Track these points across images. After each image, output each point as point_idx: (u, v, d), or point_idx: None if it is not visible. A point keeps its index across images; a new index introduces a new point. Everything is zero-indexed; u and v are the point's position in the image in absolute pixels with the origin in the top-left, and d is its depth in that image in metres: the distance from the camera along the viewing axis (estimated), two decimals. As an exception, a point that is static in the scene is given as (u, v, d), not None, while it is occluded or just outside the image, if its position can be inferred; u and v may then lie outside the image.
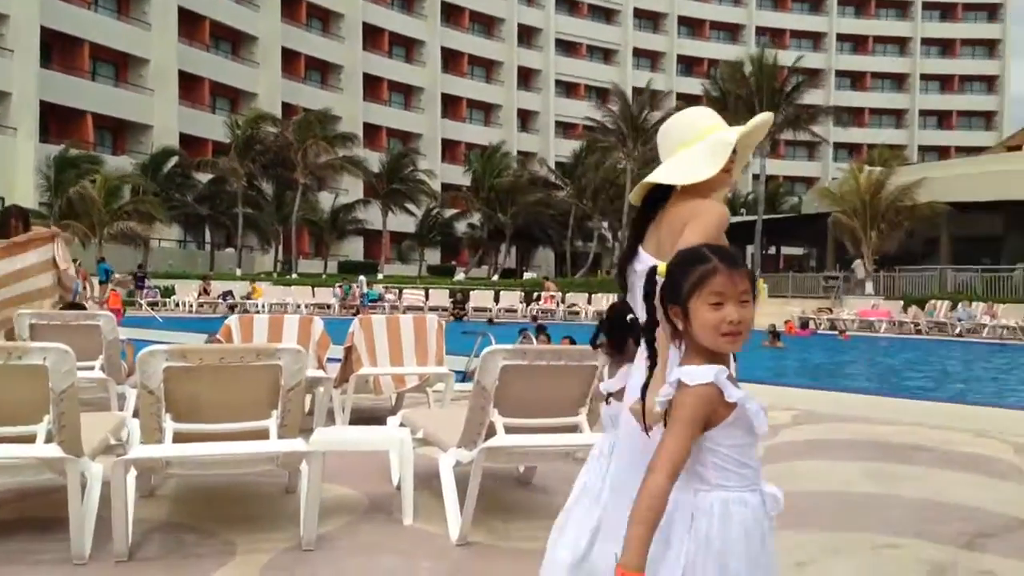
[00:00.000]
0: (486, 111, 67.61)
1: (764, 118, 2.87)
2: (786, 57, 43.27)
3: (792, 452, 6.35)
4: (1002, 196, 32.42)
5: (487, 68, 67.68)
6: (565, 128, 68.68)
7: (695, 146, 2.67)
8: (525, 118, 69.46)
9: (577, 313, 29.65)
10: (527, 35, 69.13)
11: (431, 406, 7.04)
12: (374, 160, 50.19)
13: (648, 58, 74.33)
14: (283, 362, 3.92)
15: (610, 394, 2.75)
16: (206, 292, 29.90)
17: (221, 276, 35.36)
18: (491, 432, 4.03)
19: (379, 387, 7.03)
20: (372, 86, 59.48)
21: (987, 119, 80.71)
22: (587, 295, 31.42)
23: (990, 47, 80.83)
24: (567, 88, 70.90)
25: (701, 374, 1.92)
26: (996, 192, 32.71)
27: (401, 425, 4.92)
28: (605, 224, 52.95)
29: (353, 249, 54.64)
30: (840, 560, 3.88)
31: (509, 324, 21.74)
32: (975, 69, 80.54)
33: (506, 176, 51.62)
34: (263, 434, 3.90)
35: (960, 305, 25.13)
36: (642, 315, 2.20)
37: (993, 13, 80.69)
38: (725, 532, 1.90)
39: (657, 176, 2.68)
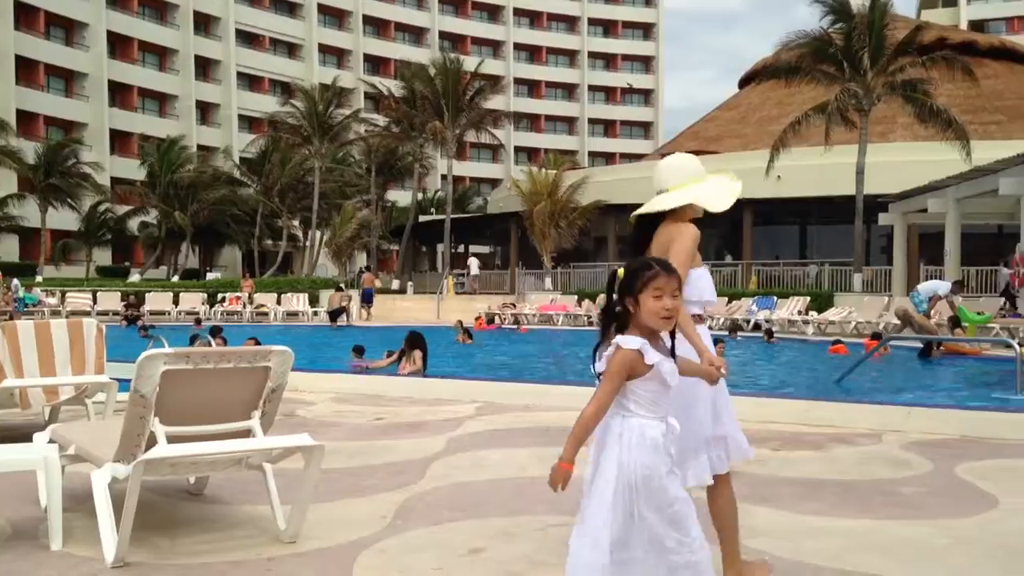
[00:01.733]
0: (161, 101, 63.41)
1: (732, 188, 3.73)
2: (474, 64, 44.78)
3: (474, 443, 6.54)
4: (658, 198, 35.80)
5: (161, 56, 63.46)
6: (250, 122, 66.20)
7: (707, 181, 3.64)
8: (205, 110, 66.04)
9: (266, 314, 28.64)
10: (204, 23, 65.72)
11: (91, 418, 6.42)
12: (29, 150, 45.20)
13: (334, 55, 73.69)
14: None
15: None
16: None
17: None
18: (152, 443, 3.72)
19: (26, 400, 6.29)
20: (26, 69, 53.48)
21: (645, 129, 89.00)
22: (276, 295, 30.47)
23: (646, 63, 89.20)
24: (250, 81, 68.39)
25: (632, 343, 2.76)
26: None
27: (50, 441, 4.42)
28: (295, 222, 51.76)
29: (6, 249, 48.83)
30: (513, 543, 4.02)
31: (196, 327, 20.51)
32: (634, 82, 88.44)
33: (186, 171, 48.74)
34: None
35: (625, 297, 27.44)
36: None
37: (648, 32, 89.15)
38: (642, 442, 2.77)
39: (688, 198, 3.59)
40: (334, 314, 26.70)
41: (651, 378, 2.79)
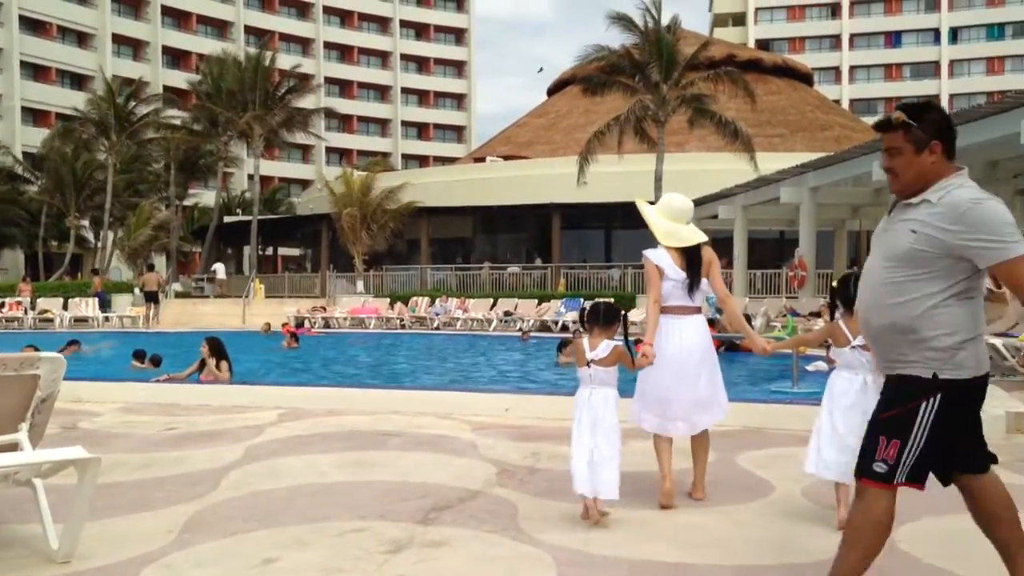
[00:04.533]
0: (-67, 90, 57.86)
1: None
2: (283, 61, 43.43)
3: (274, 450, 6.35)
4: (471, 202, 36.29)
5: (-67, 41, 57.89)
6: (35, 115, 61.45)
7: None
8: (-16, 101, 60.69)
9: (51, 320, 26.62)
10: (-15, 8, 60.46)
11: None
12: None
13: (130, 46, 69.50)
14: None
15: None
16: None
17: None
18: (-101, 462, 3.36)
19: None
20: None
21: (458, 133, 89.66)
22: (63, 300, 28.32)
23: (458, 67, 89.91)
24: (35, 71, 63.42)
25: None
26: (466, 198, 36.52)
27: None
28: (86, 223, 48.46)
29: None
30: (308, 551, 3.92)
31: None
32: (447, 87, 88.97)
33: (-41, 166, 44.61)
34: None
35: (437, 301, 27.47)
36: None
37: (460, 37, 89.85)
38: None
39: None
40: (152, 296, 26.38)
41: None
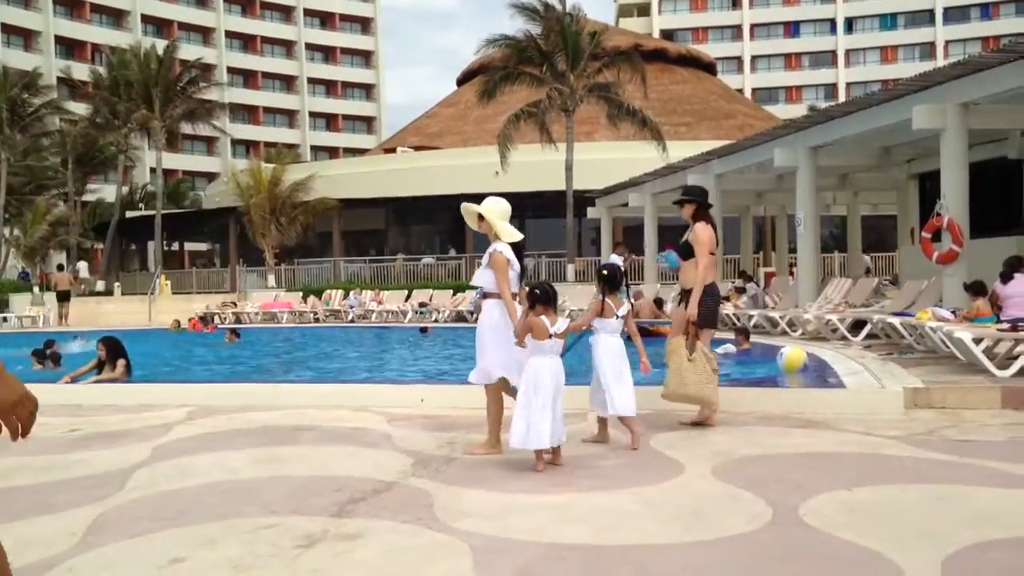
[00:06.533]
0: None
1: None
2: (184, 51, 42.13)
3: (183, 449, 6.20)
4: (383, 193, 35.96)
5: None
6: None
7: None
8: None
9: (-58, 323, 25.46)
10: None
11: None
12: None
13: (20, 36, 66.65)
14: None
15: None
16: None
17: None
18: None
19: None
20: None
21: (368, 124, 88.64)
22: (-46, 302, 27.14)
23: (366, 57, 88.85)
24: (-82, 62, 60.30)
25: None
26: (378, 190, 36.17)
27: None
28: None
29: None
30: (218, 549, 3.84)
31: None
32: (355, 77, 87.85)
33: None
34: None
35: (351, 293, 27.15)
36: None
37: (366, 26, 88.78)
38: None
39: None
40: (64, 295, 26.12)
41: None
